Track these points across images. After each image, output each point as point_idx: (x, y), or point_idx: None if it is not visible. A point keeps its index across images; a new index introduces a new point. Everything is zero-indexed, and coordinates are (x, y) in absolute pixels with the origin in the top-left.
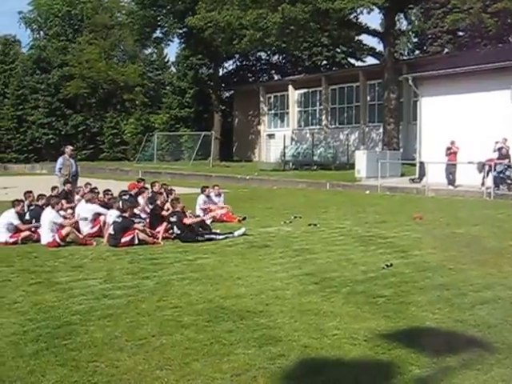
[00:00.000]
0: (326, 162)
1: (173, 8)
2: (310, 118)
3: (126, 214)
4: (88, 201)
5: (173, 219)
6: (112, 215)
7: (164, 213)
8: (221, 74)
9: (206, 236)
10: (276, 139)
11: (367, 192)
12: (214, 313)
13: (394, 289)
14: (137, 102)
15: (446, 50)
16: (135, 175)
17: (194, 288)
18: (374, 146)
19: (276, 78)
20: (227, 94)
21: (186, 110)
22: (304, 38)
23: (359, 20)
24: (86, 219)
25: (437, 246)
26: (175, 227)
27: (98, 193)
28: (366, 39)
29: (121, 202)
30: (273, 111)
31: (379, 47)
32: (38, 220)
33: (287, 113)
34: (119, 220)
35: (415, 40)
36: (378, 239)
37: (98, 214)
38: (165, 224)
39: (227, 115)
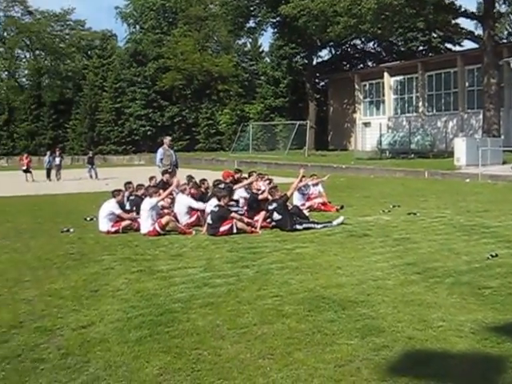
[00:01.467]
0: (423, 149)
1: None
2: (406, 105)
3: (222, 203)
4: (182, 192)
5: (271, 207)
6: (212, 205)
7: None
8: (315, 62)
9: (305, 225)
10: (372, 127)
11: (467, 180)
12: (315, 302)
13: (501, 280)
14: (231, 93)
15: None
16: (231, 165)
17: (294, 277)
18: (473, 133)
19: (370, 65)
20: (322, 83)
21: (281, 100)
22: (399, 24)
23: (455, 3)
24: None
25: None
26: (275, 213)
27: (196, 183)
28: (463, 23)
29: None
30: (368, 99)
31: (477, 31)
32: (137, 210)
33: (383, 100)
34: (216, 209)
35: None
36: (480, 228)
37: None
38: (263, 213)
39: (322, 104)
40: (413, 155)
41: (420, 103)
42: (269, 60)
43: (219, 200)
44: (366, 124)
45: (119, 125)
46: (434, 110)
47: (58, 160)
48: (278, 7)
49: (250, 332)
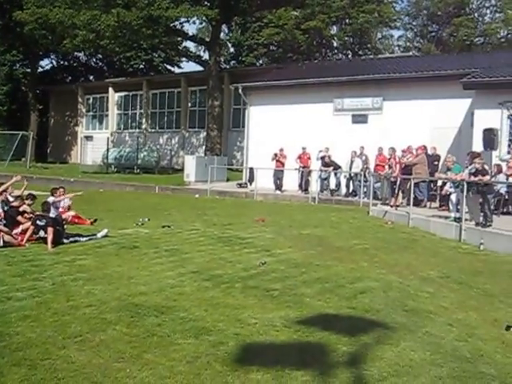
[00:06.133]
0: (149, 165)
1: None
2: (129, 121)
3: None
4: None
5: (41, 223)
6: None
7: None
8: (38, 72)
9: (71, 239)
10: (94, 141)
11: (197, 196)
12: (132, 309)
13: (281, 283)
14: None
15: (261, 61)
16: None
17: (94, 287)
18: (194, 151)
19: (93, 79)
20: (43, 94)
21: None
22: (137, 43)
23: (183, 29)
24: None
25: (292, 245)
26: (42, 231)
27: None
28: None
29: None
30: (91, 113)
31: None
32: None
33: (106, 115)
34: None
35: (232, 50)
36: (237, 240)
37: None
38: (29, 225)
39: (43, 115)
40: (139, 170)
41: (144, 120)
42: None
43: None
44: (88, 138)
45: None
46: (157, 127)
47: None
48: (5, 13)
49: (88, 340)
